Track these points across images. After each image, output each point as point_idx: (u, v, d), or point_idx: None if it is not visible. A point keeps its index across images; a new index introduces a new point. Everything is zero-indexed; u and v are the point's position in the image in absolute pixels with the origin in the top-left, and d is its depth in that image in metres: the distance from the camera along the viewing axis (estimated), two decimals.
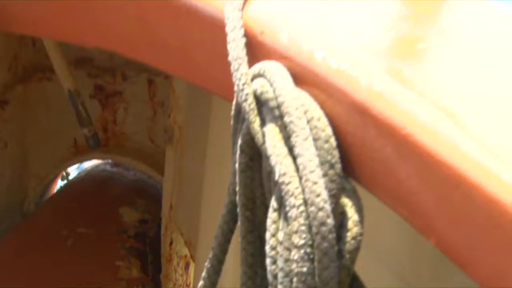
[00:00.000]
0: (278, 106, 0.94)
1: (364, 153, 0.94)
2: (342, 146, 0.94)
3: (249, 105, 0.99)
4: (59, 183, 3.03)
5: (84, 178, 2.85)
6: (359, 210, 0.93)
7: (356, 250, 0.93)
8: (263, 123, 0.98)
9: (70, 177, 3.19)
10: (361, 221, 0.93)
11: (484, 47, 1.08)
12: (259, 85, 0.98)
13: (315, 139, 0.92)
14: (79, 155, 2.67)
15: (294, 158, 0.92)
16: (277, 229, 0.95)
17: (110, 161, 2.75)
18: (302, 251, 0.91)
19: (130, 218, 2.50)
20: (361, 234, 0.93)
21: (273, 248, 0.97)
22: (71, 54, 2.23)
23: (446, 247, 0.88)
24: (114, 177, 2.72)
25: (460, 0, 1.25)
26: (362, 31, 1.06)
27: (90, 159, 2.78)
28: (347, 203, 0.93)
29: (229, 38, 1.03)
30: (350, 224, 0.92)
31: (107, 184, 2.71)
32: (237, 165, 1.05)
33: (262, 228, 1.00)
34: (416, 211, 0.90)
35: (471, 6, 1.23)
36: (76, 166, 2.99)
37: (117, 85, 2.46)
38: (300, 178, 0.91)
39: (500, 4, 1.28)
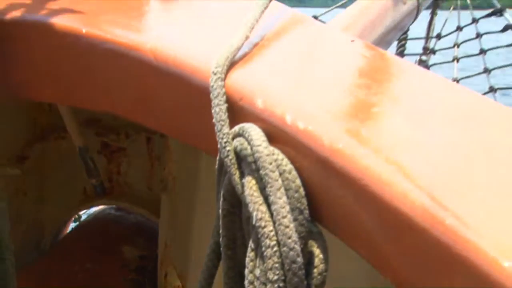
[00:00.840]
0: (255, 161, 0.94)
1: (328, 201, 0.94)
2: (309, 194, 0.94)
3: (230, 160, 0.99)
4: (72, 225, 3.01)
5: (93, 221, 2.83)
6: (324, 249, 0.93)
7: (322, 284, 0.92)
8: (242, 176, 0.98)
9: (81, 219, 3.20)
10: (326, 259, 0.93)
11: (427, 111, 1.08)
12: (239, 143, 0.98)
13: (287, 189, 0.92)
14: (88, 201, 2.65)
15: (269, 205, 0.92)
16: (254, 266, 0.94)
17: (114, 206, 2.73)
18: (276, 285, 0.90)
19: (131, 254, 2.48)
20: (326, 270, 0.92)
21: (251, 283, 0.96)
22: (81, 116, 2.23)
23: (401, 283, 0.86)
24: (118, 219, 2.70)
25: (407, 72, 1.25)
26: (326, 97, 1.07)
27: (97, 204, 2.75)
28: (314, 244, 0.92)
29: (213, 103, 1.02)
30: (316, 261, 0.91)
31: (111, 226, 2.69)
32: (220, 210, 1.04)
33: (242, 265, 0.98)
34: (374, 251, 0.89)
35: (416, 77, 1.24)
36: (85, 210, 2.95)
37: (120, 143, 2.46)
38: (274, 222, 0.90)
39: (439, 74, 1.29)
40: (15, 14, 1.38)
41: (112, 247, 2.52)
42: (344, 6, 4.00)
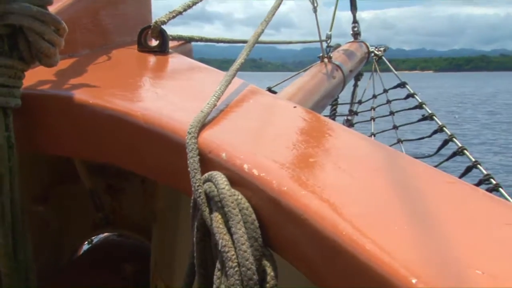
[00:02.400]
0: (220, 201, 0.93)
1: (277, 230, 0.92)
2: (262, 226, 0.92)
3: (202, 199, 0.97)
4: (85, 247, 2.94)
5: (100, 244, 2.76)
6: (275, 269, 0.91)
7: None
8: (211, 211, 0.96)
9: (92, 243, 3.13)
10: (276, 276, 0.91)
11: (351, 160, 1.08)
12: (208, 187, 0.97)
13: (245, 222, 0.91)
14: (96, 230, 2.58)
15: (231, 234, 0.90)
16: (220, 283, 0.92)
17: (116, 233, 2.68)
18: None
19: (130, 270, 2.41)
20: (276, 285, 0.90)
21: None
22: (90, 165, 2.19)
23: None
24: (119, 243, 2.64)
25: (335, 131, 1.25)
26: (274, 151, 1.06)
27: (104, 232, 2.69)
28: (267, 264, 0.91)
29: (188, 156, 1.01)
30: (268, 278, 0.89)
31: (115, 248, 2.63)
32: (194, 238, 1.01)
33: (211, 281, 0.95)
34: (312, 269, 0.87)
35: (342, 134, 1.24)
36: (94, 237, 2.89)
37: (121, 184, 2.41)
38: (235, 248, 0.89)
39: (361, 130, 1.29)
40: (42, 88, 1.36)
41: (115, 265, 2.46)
42: (304, 73, 4.05)
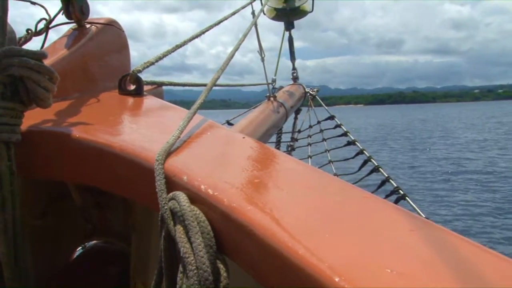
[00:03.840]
0: (182, 215, 0.91)
1: (228, 239, 0.91)
2: (217, 235, 0.91)
3: (167, 215, 0.95)
4: (78, 252, 2.84)
5: (90, 250, 2.67)
6: (227, 270, 0.89)
7: None
8: (174, 224, 0.94)
9: (84, 248, 3.02)
10: (228, 276, 0.89)
11: (290, 181, 1.08)
12: (172, 204, 0.95)
13: (202, 233, 0.89)
14: (86, 238, 2.50)
15: (191, 243, 0.89)
16: (182, 283, 0.90)
17: (103, 240, 2.60)
18: None
19: (114, 271, 2.34)
20: (228, 284, 0.88)
21: None
22: (81, 186, 2.13)
23: None
24: (105, 249, 2.56)
25: (278, 157, 1.25)
26: (226, 174, 1.05)
27: (93, 240, 2.61)
28: (220, 267, 0.89)
29: (156, 179, 1.00)
30: (222, 278, 0.88)
31: (101, 253, 2.55)
32: (162, 246, 0.99)
33: (176, 282, 0.93)
34: (256, 271, 0.86)
35: (283, 160, 1.24)
36: (85, 244, 2.79)
37: (107, 201, 2.35)
38: (194, 254, 0.87)
39: (300, 153, 1.30)
40: (38, 125, 1.33)
41: (102, 267, 2.39)
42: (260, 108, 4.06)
